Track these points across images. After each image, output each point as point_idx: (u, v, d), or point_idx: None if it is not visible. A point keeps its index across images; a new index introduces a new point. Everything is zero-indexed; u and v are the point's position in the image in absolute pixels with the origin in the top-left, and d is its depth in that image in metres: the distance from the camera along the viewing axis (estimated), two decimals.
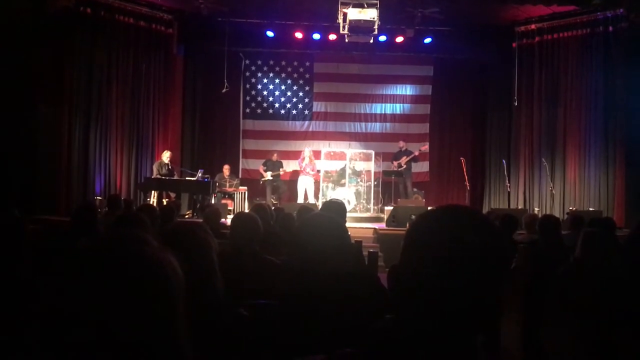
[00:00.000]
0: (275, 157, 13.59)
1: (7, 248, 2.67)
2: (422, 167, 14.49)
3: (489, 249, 1.08)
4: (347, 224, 5.17)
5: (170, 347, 1.00)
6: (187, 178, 12.16)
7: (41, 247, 3.57)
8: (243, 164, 14.52)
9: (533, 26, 12.80)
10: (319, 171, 13.50)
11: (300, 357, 1.22)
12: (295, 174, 13.85)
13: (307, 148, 13.54)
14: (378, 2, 10.80)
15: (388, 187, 13.61)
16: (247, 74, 14.58)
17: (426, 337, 1.07)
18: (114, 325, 0.94)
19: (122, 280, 0.97)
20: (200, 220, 7.50)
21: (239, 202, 13.02)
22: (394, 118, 14.79)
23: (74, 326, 0.94)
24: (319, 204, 11.30)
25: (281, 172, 13.33)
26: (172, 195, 11.95)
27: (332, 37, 12.95)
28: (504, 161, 12.77)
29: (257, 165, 13.94)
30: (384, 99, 14.79)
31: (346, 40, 11.95)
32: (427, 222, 1.14)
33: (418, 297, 1.08)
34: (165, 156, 11.98)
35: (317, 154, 13.70)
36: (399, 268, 1.15)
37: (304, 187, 13.15)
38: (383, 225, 10.98)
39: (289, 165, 13.89)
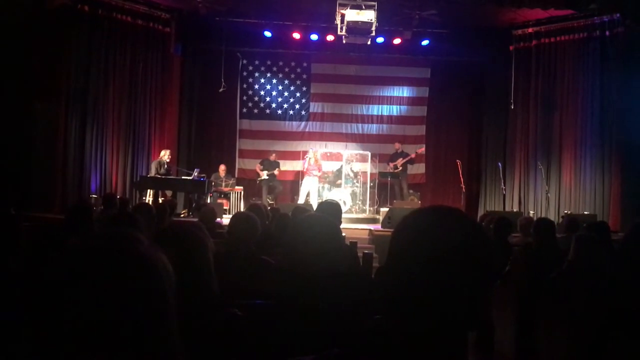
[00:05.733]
0: (273, 157, 13.59)
1: (2, 245, 2.67)
2: (418, 168, 14.52)
3: (474, 248, 1.09)
4: (343, 225, 5.17)
5: (161, 345, 1.00)
6: (183, 177, 12.14)
7: (35, 245, 3.57)
8: (239, 163, 14.51)
9: (530, 30, 12.83)
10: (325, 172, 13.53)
11: (292, 357, 1.22)
12: (294, 174, 13.86)
13: (312, 149, 13.54)
14: (376, 3, 10.82)
15: (384, 188, 13.62)
16: (245, 73, 14.57)
17: (414, 337, 1.08)
18: (104, 322, 0.94)
19: (112, 277, 0.97)
20: (196, 219, 7.50)
21: (235, 201, 13.02)
22: (390, 120, 14.80)
23: (65, 323, 0.94)
24: (315, 205, 11.30)
25: (276, 172, 13.32)
26: (168, 194, 11.93)
27: (330, 38, 12.96)
28: (499, 164, 12.79)
29: (253, 165, 13.93)
30: (381, 100, 14.81)
31: (344, 42, 11.96)
32: (413, 223, 1.15)
33: (405, 297, 1.09)
34: (165, 155, 11.96)
35: None
36: (385, 269, 1.16)
37: (308, 188, 13.09)
38: (378, 226, 10.99)
39: (285, 166, 13.90)
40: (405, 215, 1.19)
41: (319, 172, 13.21)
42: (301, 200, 12.94)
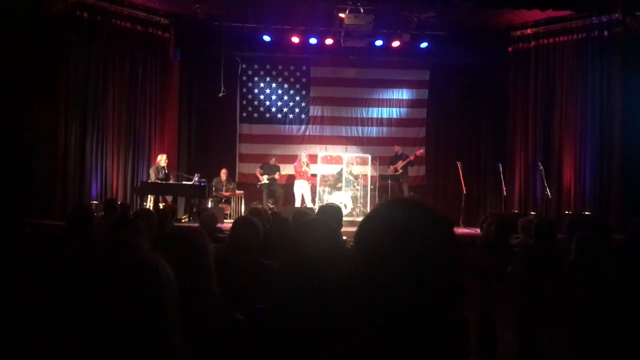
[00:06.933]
0: (273, 161, 13.60)
1: (3, 251, 2.67)
2: (419, 171, 14.51)
3: (436, 237, 1.08)
4: (344, 228, 5.15)
5: (162, 350, 1.00)
6: (183, 182, 12.15)
7: (36, 251, 3.57)
8: (240, 168, 14.52)
9: (529, 31, 12.85)
10: (313, 175, 13.49)
11: None
12: (291, 178, 13.86)
13: (304, 152, 13.54)
14: (374, 6, 10.84)
15: (384, 191, 13.60)
16: (244, 78, 14.58)
17: (392, 338, 1.06)
18: (105, 328, 0.95)
19: (113, 284, 0.97)
20: (197, 224, 7.50)
21: (236, 206, 13.01)
22: (390, 122, 14.81)
23: (66, 328, 0.94)
24: (316, 208, 11.30)
25: (277, 176, 13.33)
26: (169, 199, 11.94)
27: (329, 41, 12.98)
28: (499, 165, 12.77)
29: (253, 169, 13.94)
30: (380, 103, 14.81)
31: (342, 45, 11.99)
32: (373, 221, 1.14)
33: (375, 298, 1.08)
34: (162, 160, 11.96)
35: (313, 158, 13.68)
36: (351, 273, 1.14)
37: (301, 191, 13.14)
38: None
39: (285, 169, 13.90)
40: (366, 215, 1.19)
41: (309, 174, 13.24)
42: (297, 203, 12.94)
